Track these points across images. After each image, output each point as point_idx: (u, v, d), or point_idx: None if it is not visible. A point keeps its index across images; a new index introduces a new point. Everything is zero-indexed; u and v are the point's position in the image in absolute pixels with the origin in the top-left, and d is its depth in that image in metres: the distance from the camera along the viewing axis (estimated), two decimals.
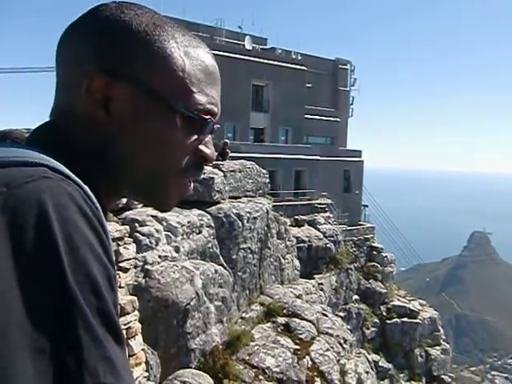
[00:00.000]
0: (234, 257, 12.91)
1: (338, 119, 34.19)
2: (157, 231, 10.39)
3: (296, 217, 21.72)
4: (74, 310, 0.59)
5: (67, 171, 0.70)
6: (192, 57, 0.84)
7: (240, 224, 13.08)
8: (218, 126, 0.89)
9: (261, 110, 28.94)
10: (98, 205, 0.71)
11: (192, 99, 0.83)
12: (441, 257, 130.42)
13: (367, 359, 14.92)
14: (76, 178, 0.70)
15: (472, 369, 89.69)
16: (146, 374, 7.10)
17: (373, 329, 24.13)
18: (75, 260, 0.61)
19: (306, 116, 30.78)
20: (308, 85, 30.87)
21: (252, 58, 27.64)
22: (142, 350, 7.14)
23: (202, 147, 0.86)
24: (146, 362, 7.47)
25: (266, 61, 28.35)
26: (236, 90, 25.31)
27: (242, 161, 15.75)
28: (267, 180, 16.54)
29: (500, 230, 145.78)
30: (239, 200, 14.17)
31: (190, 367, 9.85)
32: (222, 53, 23.74)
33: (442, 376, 25.43)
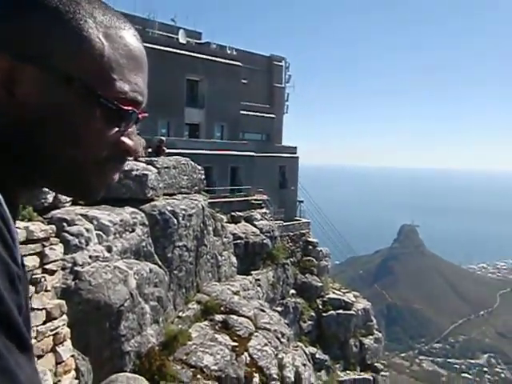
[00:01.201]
0: (169, 255, 12.64)
1: (273, 115, 34.51)
2: (87, 230, 9.92)
3: (232, 213, 21.69)
4: None
5: None
6: (113, 39, 0.74)
7: (175, 221, 12.82)
8: (146, 115, 0.80)
9: (196, 106, 28.59)
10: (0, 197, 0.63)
11: (112, 87, 0.73)
12: (373, 249, 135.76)
13: (304, 352, 15.12)
14: None
15: (402, 355, 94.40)
16: (76, 381, 6.73)
17: (309, 322, 24.62)
18: None
19: (242, 112, 30.81)
20: (243, 81, 30.90)
21: (186, 52, 27.19)
22: (72, 356, 6.76)
23: (124, 139, 0.77)
24: (77, 369, 7.09)
25: (200, 55, 28.00)
26: (170, 85, 24.82)
27: (177, 157, 15.43)
28: (203, 176, 16.33)
29: (427, 223, 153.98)
30: (174, 197, 13.88)
31: (125, 371, 9.53)
32: (154, 46, 23.14)
33: (375, 364, 26.42)
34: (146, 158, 14.10)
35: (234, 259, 17.75)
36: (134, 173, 12.57)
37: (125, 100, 0.75)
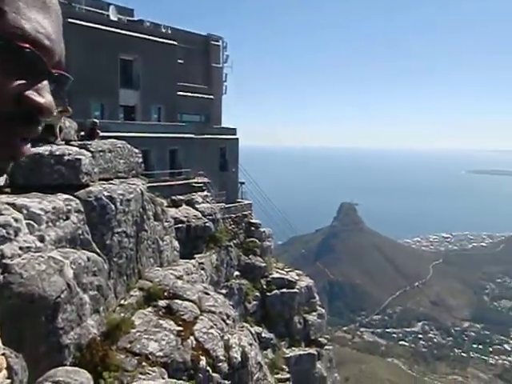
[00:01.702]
0: (108, 242, 12.17)
1: (211, 96, 34.00)
2: (16, 220, 9.29)
3: (173, 197, 21.29)
4: None
5: None
6: None
7: (113, 207, 12.32)
8: (64, 73, 0.63)
9: (131, 87, 27.53)
10: None
11: (2, 19, 0.56)
12: (314, 228, 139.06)
13: (250, 332, 15.16)
14: None
15: (344, 328, 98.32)
16: (9, 381, 6.29)
17: (254, 302, 24.85)
18: None
19: (179, 93, 30.10)
20: (180, 61, 30.13)
21: (118, 30, 25.96)
22: (3, 354, 6.30)
23: (29, 93, 0.59)
24: (9, 368, 6.63)
25: (133, 33, 26.88)
26: (102, 65, 23.74)
27: (112, 140, 14.81)
28: (140, 160, 15.80)
29: (365, 202, 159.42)
30: (110, 182, 13.33)
31: (65, 365, 9.10)
32: (82, 22, 21.93)
33: (319, 339, 27.19)
34: (79, 142, 13.42)
35: (176, 243, 17.44)
36: (66, 157, 11.92)
37: (22, 38, 0.58)
